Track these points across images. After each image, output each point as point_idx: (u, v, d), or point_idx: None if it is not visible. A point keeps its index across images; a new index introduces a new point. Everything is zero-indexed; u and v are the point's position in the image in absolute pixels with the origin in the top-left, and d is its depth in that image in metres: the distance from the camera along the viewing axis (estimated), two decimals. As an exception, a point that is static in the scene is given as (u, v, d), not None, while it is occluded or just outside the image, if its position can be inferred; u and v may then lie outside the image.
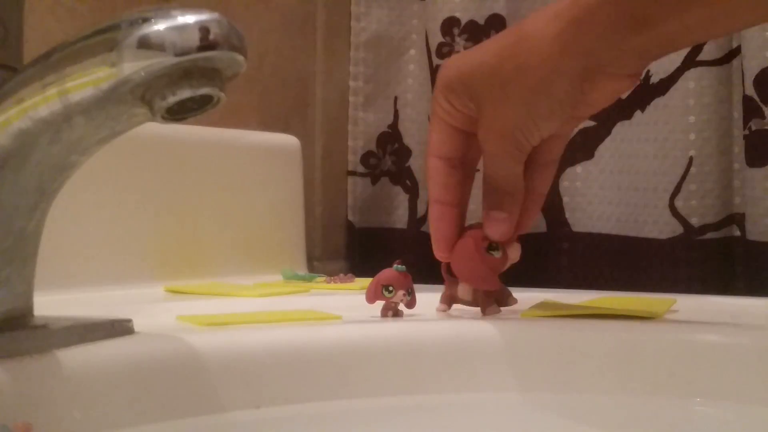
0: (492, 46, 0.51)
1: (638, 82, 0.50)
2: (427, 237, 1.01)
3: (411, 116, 1.03)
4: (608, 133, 0.92)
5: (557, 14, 0.47)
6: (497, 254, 0.52)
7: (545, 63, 0.47)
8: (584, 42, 0.47)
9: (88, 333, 0.41)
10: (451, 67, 0.52)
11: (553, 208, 0.95)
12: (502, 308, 0.53)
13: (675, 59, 0.86)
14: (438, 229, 0.53)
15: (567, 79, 0.48)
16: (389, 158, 1.04)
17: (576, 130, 0.54)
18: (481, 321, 0.50)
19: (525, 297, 0.53)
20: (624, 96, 0.91)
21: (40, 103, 0.35)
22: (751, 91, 0.79)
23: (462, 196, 0.54)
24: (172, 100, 0.34)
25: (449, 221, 0.53)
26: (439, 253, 0.53)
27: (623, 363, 0.47)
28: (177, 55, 0.33)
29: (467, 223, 0.54)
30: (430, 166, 0.54)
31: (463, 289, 0.53)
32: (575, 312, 0.52)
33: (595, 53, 0.47)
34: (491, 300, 0.53)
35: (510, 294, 0.54)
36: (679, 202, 0.85)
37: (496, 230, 0.52)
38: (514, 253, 0.52)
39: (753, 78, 0.79)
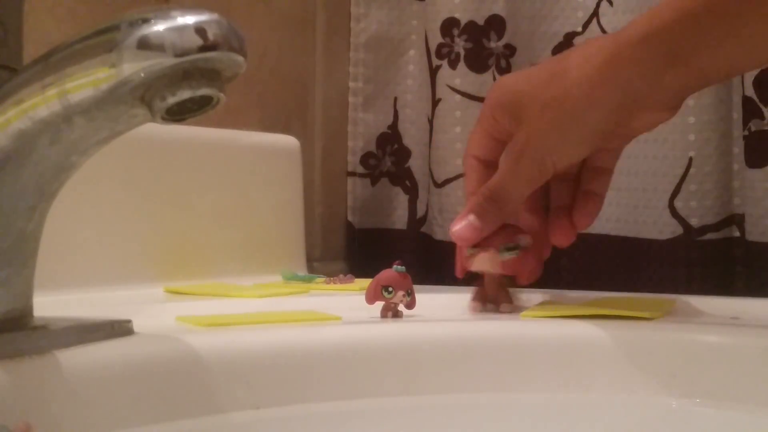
0: (540, 72, 0.53)
1: (676, 113, 0.52)
2: (426, 238, 1.01)
3: (411, 117, 1.03)
4: (608, 133, 0.92)
5: (599, 49, 0.50)
6: (468, 251, 0.53)
7: (583, 94, 0.50)
8: (622, 76, 0.49)
9: (88, 334, 0.41)
10: (503, 85, 0.55)
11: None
12: (498, 311, 0.54)
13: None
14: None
15: (602, 111, 0.50)
16: (389, 159, 1.04)
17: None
18: (481, 321, 0.50)
19: (525, 297, 0.53)
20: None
21: (40, 103, 0.35)
22: (750, 92, 0.79)
23: None
24: (171, 100, 0.34)
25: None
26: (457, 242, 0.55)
27: (623, 363, 0.47)
28: (177, 55, 0.33)
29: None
30: (467, 164, 0.57)
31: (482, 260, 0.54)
32: (576, 313, 0.52)
33: (632, 88, 0.49)
34: (479, 296, 0.54)
35: (506, 301, 0.54)
36: (678, 203, 0.84)
37: (461, 231, 0.53)
38: (480, 264, 0.53)
39: (753, 79, 0.79)
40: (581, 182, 0.56)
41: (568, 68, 0.51)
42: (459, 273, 0.55)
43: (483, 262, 0.53)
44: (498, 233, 0.53)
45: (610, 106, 0.50)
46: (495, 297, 0.54)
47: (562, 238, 0.56)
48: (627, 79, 0.49)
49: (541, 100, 0.51)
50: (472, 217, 0.53)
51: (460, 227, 0.53)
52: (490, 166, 0.55)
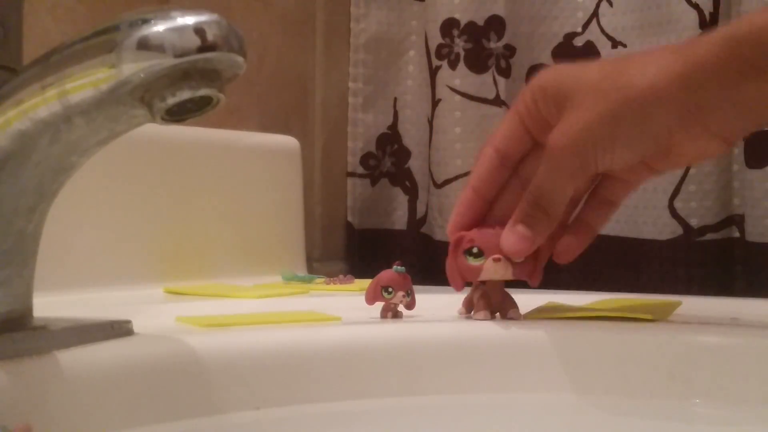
0: (596, 64, 0.49)
1: (728, 149, 0.49)
2: (426, 239, 1.01)
3: (410, 118, 1.03)
4: (608, 134, 0.92)
5: (677, 50, 0.46)
6: (472, 261, 0.49)
7: (651, 90, 0.45)
8: (697, 80, 0.44)
9: (88, 334, 0.41)
10: (549, 71, 0.50)
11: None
12: (504, 319, 0.51)
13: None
14: (457, 213, 0.52)
15: (665, 115, 0.45)
16: (389, 159, 1.04)
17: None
18: (481, 322, 0.50)
19: (525, 298, 0.53)
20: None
21: (40, 104, 0.35)
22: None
23: (497, 196, 0.51)
24: (171, 101, 0.34)
25: (472, 210, 0.51)
26: (448, 233, 0.52)
27: (623, 364, 0.47)
28: (176, 56, 0.33)
29: None
30: (482, 154, 0.51)
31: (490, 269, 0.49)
32: (579, 314, 0.52)
33: (706, 93, 0.44)
34: (485, 304, 0.50)
35: (513, 307, 0.51)
36: (678, 203, 0.85)
37: (514, 245, 0.48)
38: (491, 273, 0.49)
39: (752, 79, 0.79)
40: (581, 209, 0.52)
41: (636, 61, 0.46)
42: (459, 286, 0.51)
43: (495, 271, 0.49)
44: (497, 235, 0.49)
45: (678, 106, 0.45)
46: (501, 304, 0.51)
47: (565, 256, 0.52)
48: (701, 81, 0.44)
49: (599, 89, 0.46)
50: (521, 228, 0.48)
51: (511, 241, 0.48)
52: (505, 164, 0.51)
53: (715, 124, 0.45)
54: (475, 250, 0.49)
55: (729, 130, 0.46)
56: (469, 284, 0.52)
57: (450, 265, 0.50)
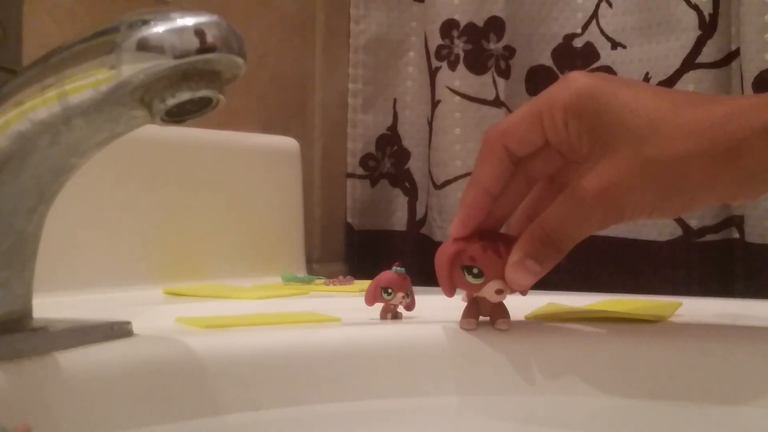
0: (642, 98, 0.43)
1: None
2: (426, 240, 1.01)
3: (410, 118, 1.03)
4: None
5: (722, 119, 0.42)
6: (471, 279, 0.46)
7: (701, 169, 0.41)
8: (744, 164, 0.41)
9: (87, 335, 0.41)
10: (588, 90, 0.44)
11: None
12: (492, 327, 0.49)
13: (674, 61, 0.86)
14: (466, 214, 0.48)
15: (716, 191, 0.42)
16: (388, 160, 1.04)
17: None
18: (483, 323, 0.50)
19: (525, 299, 0.53)
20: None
21: (39, 105, 0.35)
22: (749, 93, 0.79)
23: (502, 192, 0.48)
24: (171, 102, 0.34)
25: (482, 210, 0.48)
26: (453, 232, 0.48)
27: (623, 365, 0.47)
28: (176, 57, 0.33)
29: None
30: (490, 150, 0.47)
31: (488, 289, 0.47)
32: (581, 315, 0.52)
33: (750, 178, 0.41)
34: (473, 313, 0.49)
35: (504, 317, 0.49)
36: (678, 205, 0.84)
37: (522, 281, 0.46)
38: (490, 297, 0.47)
39: (752, 80, 0.79)
40: None
41: (726, 102, 0.42)
42: (450, 293, 0.48)
43: (495, 298, 0.47)
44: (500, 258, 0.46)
45: (724, 189, 0.42)
46: (492, 312, 0.49)
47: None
48: (749, 169, 0.41)
49: (645, 152, 0.42)
50: (530, 263, 0.45)
51: (521, 277, 0.45)
52: (515, 161, 0.47)
53: (751, 193, 0.43)
54: (475, 270, 0.46)
55: (759, 192, 0.43)
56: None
57: (443, 272, 0.47)
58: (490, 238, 0.47)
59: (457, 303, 0.55)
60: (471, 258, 0.46)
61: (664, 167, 0.42)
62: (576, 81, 0.45)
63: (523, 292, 0.48)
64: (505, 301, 0.48)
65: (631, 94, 0.44)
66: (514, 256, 0.45)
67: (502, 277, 0.46)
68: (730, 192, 0.43)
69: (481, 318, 0.49)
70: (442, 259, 0.47)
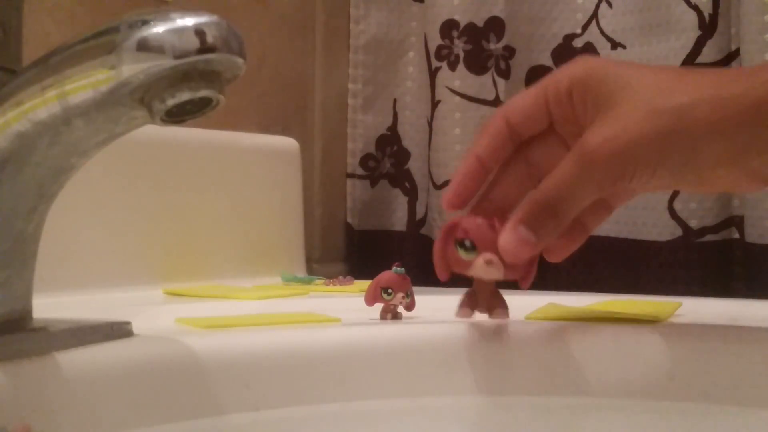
0: (647, 72, 0.43)
1: (760, 190, 0.44)
2: (426, 240, 1.01)
3: (410, 119, 1.03)
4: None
5: (736, 78, 0.42)
6: (463, 254, 0.44)
7: (706, 121, 0.40)
8: (751, 120, 0.40)
9: (87, 335, 0.41)
10: (592, 64, 0.44)
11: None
12: (489, 318, 0.48)
13: (674, 62, 0.86)
14: (458, 182, 0.46)
15: (716, 150, 0.41)
16: (388, 161, 1.04)
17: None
18: (483, 323, 0.50)
19: (525, 299, 0.53)
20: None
21: (39, 105, 0.35)
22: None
23: (501, 173, 0.47)
24: (171, 102, 0.34)
25: (474, 180, 0.46)
26: (445, 203, 0.47)
27: (623, 365, 0.47)
28: (176, 57, 0.33)
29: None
30: (491, 123, 0.46)
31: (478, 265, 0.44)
32: (581, 315, 0.52)
33: (755, 138, 0.41)
34: (469, 302, 0.48)
35: (500, 307, 0.48)
36: (678, 205, 0.85)
37: (514, 248, 0.43)
38: (481, 272, 0.44)
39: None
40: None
41: (687, 80, 0.42)
42: (444, 276, 0.46)
43: (485, 272, 0.44)
44: (493, 230, 0.44)
45: (731, 144, 0.41)
46: (488, 302, 0.48)
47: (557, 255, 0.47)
48: (756, 121, 0.40)
49: (650, 103, 0.41)
50: (524, 230, 0.43)
51: (512, 243, 0.43)
52: (514, 138, 0.46)
53: (761, 165, 0.42)
54: (467, 243, 0.44)
55: None
56: (456, 277, 0.47)
57: (438, 251, 0.45)
58: (486, 216, 0.45)
59: (456, 304, 0.55)
60: (464, 231, 0.44)
61: (668, 114, 0.41)
62: (581, 58, 0.45)
63: (519, 272, 0.45)
64: (506, 300, 0.48)
65: (636, 66, 0.44)
66: (510, 223, 0.43)
67: (495, 251, 0.43)
68: (738, 143, 0.41)
69: (480, 316, 0.49)
70: (441, 232, 0.45)
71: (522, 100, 0.46)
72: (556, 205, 0.43)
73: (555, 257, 0.48)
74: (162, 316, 0.53)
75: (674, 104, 0.41)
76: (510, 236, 0.43)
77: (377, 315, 0.53)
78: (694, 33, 0.84)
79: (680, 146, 0.41)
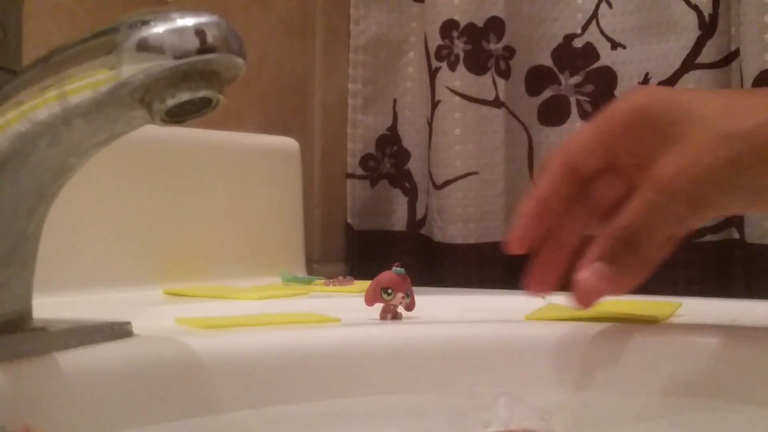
0: (703, 96, 0.43)
1: None
2: (426, 240, 1.01)
3: (410, 119, 1.03)
4: (607, 135, 0.92)
5: None
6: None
7: None
8: None
9: (87, 336, 0.41)
10: (643, 94, 0.44)
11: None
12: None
13: (674, 62, 0.86)
14: (525, 225, 0.47)
15: None
16: (388, 161, 1.04)
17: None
18: (483, 323, 0.50)
19: (525, 299, 0.53)
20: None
21: (39, 105, 0.35)
22: (749, 93, 0.79)
23: (565, 211, 0.47)
24: (171, 102, 0.34)
25: (540, 221, 0.46)
26: (512, 247, 0.47)
27: (623, 365, 0.47)
28: (176, 57, 0.33)
29: None
30: (550, 162, 0.46)
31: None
32: (581, 315, 0.52)
33: None
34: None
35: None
36: (678, 205, 0.84)
37: (594, 286, 0.43)
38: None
39: (752, 81, 0.79)
40: None
41: (747, 102, 0.42)
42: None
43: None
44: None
45: None
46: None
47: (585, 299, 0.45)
48: None
49: (717, 128, 0.41)
50: (602, 266, 0.43)
51: (588, 278, 0.43)
52: (574, 177, 0.46)
53: None
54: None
55: None
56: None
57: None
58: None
59: (456, 304, 0.55)
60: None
61: (739, 138, 0.40)
62: (637, 89, 0.45)
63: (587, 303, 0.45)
64: (506, 300, 0.49)
65: (694, 92, 0.44)
66: (585, 260, 0.43)
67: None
68: None
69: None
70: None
71: (579, 137, 0.46)
72: (634, 239, 0.42)
73: (619, 291, 0.46)
74: (162, 316, 0.53)
75: (743, 127, 0.40)
76: (588, 274, 0.43)
77: (377, 315, 0.53)
78: (694, 33, 0.84)
79: (756, 169, 0.40)
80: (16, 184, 0.38)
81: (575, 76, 0.94)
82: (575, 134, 0.46)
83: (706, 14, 0.84)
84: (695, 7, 0.84)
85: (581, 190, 0.47)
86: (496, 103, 0.95)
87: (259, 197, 0.85)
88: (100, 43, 0.34)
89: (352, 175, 1.04)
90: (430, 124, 0.99)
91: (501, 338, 0.48)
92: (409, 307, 0.53)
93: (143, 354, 0.41)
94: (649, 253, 0.43)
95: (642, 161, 0.43)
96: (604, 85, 0.93)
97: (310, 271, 0.94)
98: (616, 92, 0.92)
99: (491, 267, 0.93)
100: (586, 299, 0.44)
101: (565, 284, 0.86)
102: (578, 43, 0.94)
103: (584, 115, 0.94)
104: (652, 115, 0.43)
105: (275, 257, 0.86)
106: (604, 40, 0.93)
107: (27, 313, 0.41)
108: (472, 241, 0.95)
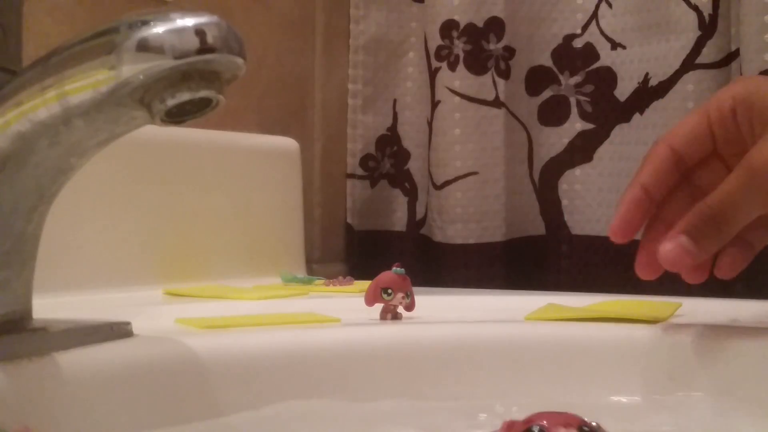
0: None
1: None
2: (426, 240, 1.01)
3: (410, 119, 1.03)
4: (607, 135, 0.92)
5: None
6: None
7: None
8: None
9: (87, 336, 0.41)
10: (756, 84, 0.45)
11: (552, 210, 0.95)
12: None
13: (673, 62, 0.86)
14: (626, 211, 0.48)
15: None
16: (388, 161, 1.04)
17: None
18: (483, 324, 0.50)
19: (525, 299, 0.53)
20: (623, 99, 0.91)
21: (39, 105, 0.35)
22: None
23: (667, 200, 0.48)
24: (171, 103, 0.34)
25: (641, 210, 0.48)
26: (612, 235, 0.49)
27: (623, 365, 0.47)
28: (176, 58, 0.33)
29: None
30: (655, 152, 0.47)
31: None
32: (581, 316, 0.52)
33: None
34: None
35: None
36: (678, 205, 0.84)
37: (674, 258, 0.44)
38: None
39: (752, 80, 0.79)
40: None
41: None
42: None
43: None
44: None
45: None
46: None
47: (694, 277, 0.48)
48: None
49: None
50: (684, 240, 0.44)
51: (670, 250, 0.44)
52: (680, 166, 0.47)
53: None
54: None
55: None
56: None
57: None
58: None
59: (456, 304, 0.55)
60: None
61: None
62: (741, 78, 0.47)
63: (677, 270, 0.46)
64: (506, 300, 0.49)
65: None
66: (672, 231, 0.44)
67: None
68: None
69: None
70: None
71: (685, 126, 0.46)
72: (719, 218, 0.43)
73: (723, 274, 0.48)
74: (162, 316, 0.53)
75: None
76: (671, 245, 0.44)
77: (377, 315, 0.53)
78: (694, 33, 0.84)
79: None
80: (16, 184, 0.38)
81: (575, 77, 0.94)
82: (681, 122, 0.47)
83: (706, 14, 0.84)
84: (695, 7, 0.84)
85: (684, 180, 0.47)
86: (496, 103, 0.95)
87: (259, 197, 0.85)
88: (100, 43, 0.34)
89: (352, 175, 1.04)
90: (430, 124, 0.99)
91: (501, 338, 0.48)
92: (409, 307, 0.53)
93: (143, 354, 0.41)
94: (733, 232, 0.44)
95: (742, 149, 0.44)
96: (604, 85, 0.93)
97: (310, 271, 0.94)
98: (616, 92, 0.92)
99: (491, 267, 0.93)
100: (669, 267, 0.45)
101: (564, 284, 0.85)
102: (578, 43, 0.94)
103: (584, 115, 0.94)
104: (755, 102, 0.44)
105: (275, 257, 0.86)
106: (604, 40, 0.93)
107: (27, 313, 0.41)
108: (472, 241, 0.94)
